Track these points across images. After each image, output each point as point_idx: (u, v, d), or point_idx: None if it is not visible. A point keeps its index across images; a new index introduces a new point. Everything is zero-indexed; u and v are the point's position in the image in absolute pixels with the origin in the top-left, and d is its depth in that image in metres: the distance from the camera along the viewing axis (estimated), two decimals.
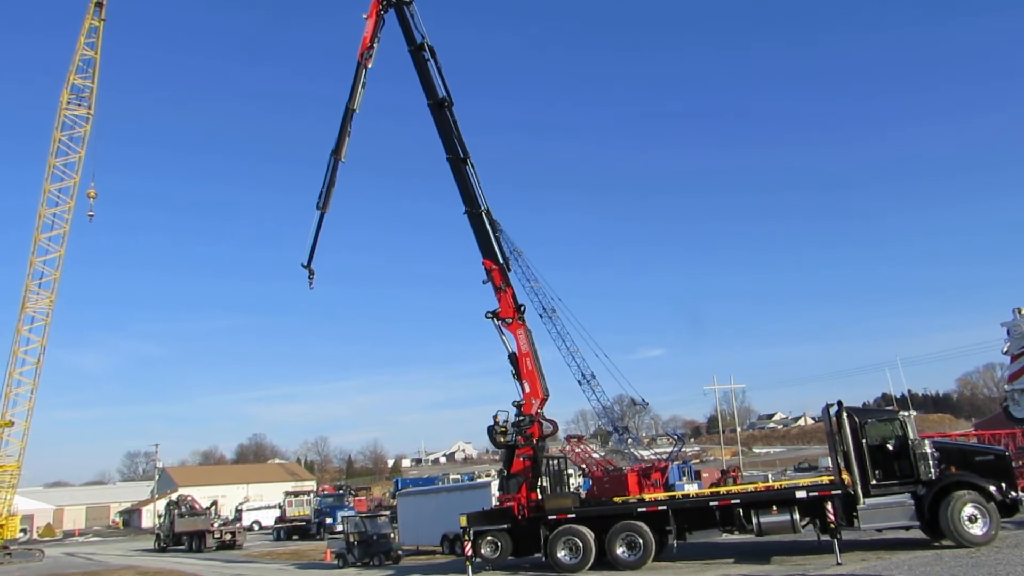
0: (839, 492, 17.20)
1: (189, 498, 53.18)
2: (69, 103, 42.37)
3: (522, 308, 22.42)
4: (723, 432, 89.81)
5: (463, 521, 18.44)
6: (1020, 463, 31.00)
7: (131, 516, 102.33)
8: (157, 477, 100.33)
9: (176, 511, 49.88)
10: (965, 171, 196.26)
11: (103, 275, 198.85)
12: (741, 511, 17.90)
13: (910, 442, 16.90)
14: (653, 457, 57.01)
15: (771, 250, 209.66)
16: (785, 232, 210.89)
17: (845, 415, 17.43)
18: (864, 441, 17.11)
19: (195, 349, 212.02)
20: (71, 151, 42.79)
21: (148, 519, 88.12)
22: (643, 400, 60.48)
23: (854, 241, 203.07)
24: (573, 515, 19.30)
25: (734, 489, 20.85)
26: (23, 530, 61.68)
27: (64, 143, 42.69)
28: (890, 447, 16.99)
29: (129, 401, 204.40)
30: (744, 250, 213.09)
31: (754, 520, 17.63)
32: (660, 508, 18.74)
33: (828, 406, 18.34)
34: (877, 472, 16.96)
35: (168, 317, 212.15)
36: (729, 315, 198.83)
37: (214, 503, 52.97)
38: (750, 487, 21.79)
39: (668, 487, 39.69)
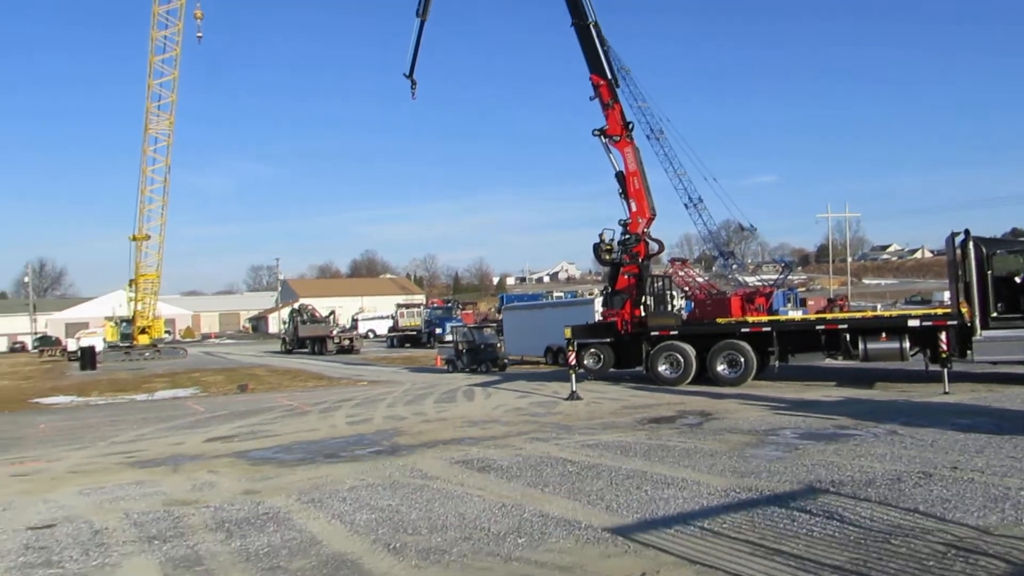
0: (955, 323, 16.72)
1: (310, 307, 56.89)
2: None
3: (630, 125, 21.89)
4: (833, 261, 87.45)
5: (567, 333, 19.07)
6: None
7: (259, 322, 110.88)
8: (279, 288, 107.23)
9: (299, 318, 53.65)
10: None
11: (222, 98, 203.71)
12: (848, 336, 17.75)
13: None
14: (758, 283, 56.52)
15: (900, 68, 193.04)
16: (905, 57, 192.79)
17: (971, 244, 16.59)
18: (989, 273, 16.35)
19: (310, 169, 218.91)
20: None
21: (274, 325, 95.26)
22: (751, 226, 59.06)
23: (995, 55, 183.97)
24: (676, 332, 19.67)
25: (842, 315, 20.65)
26: (168, 332, 67.78)
27: None
28: (1017, 280, 16.21)
29: (251, 219, 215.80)
30: (869, 72, 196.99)
31: (861, 346, 17.46)
32: (764, 329, 18.80)
33: (953, 235, 17.47)
34: (999, 305, 16.30)
35: (285, 137, 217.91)
36: (848, 139, 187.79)
37: (332, 312, 56.48)
38: (859, 315, 21.51)
39: (772, 313, 39.62)
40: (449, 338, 36.72)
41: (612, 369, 21.36)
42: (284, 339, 56.33)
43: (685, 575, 5.59)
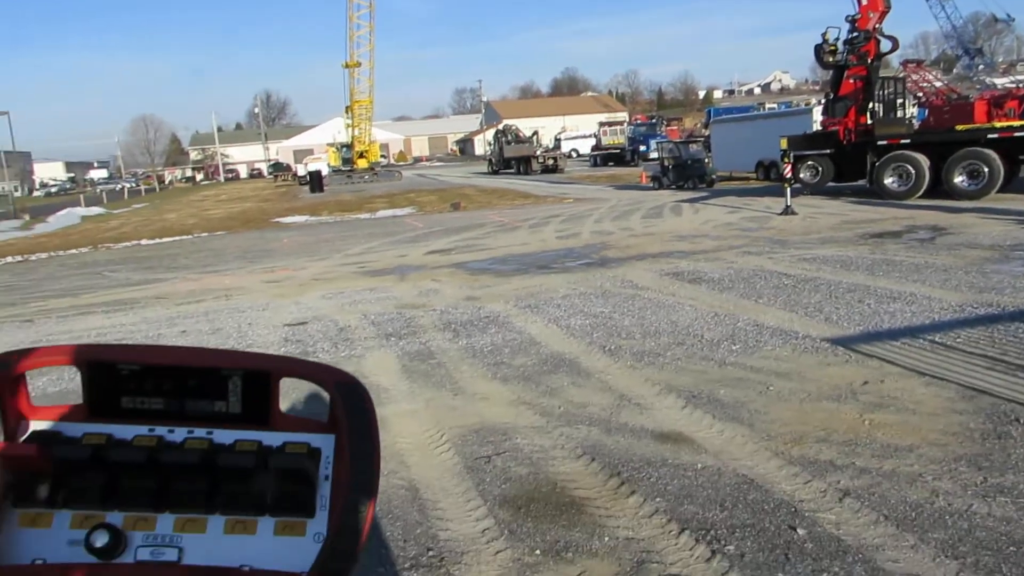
0: None
1: (514, 127, 57.41)
2: None
3: None
4: None
5: (783, 144, 17.87)
6: None
7: (465, 144, 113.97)
8: (483, 110, 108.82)
9: (503, 139, 54.46)
10: None
11: None
12: None
13: None
14: (1010, 85, 49.43)
15: None
16: None
17: None
18: None
19: None
20: None
21: (479, 147, 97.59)
22: (1007, 16, 50.75)
23: None
24: (907, 140, 17.92)
25: None
26: (383, 156, 71.56)
27: None
28: None
29: (453, 42, 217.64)
30: None
31: None
32: (1016, 135, 16.62)
33: None
34: None
35: None
36: None
37: (535, 132, 56.69)
38: None
39: None
40: (654, 155, 35.81)
41: (831, 183, 20.07)
42: (490, 160, 57.66)
43: (912, 386, 5.38)
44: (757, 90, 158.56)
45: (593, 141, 60.17)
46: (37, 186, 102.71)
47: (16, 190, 65.76)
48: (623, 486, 4.15)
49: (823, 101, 22.87)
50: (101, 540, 0.48)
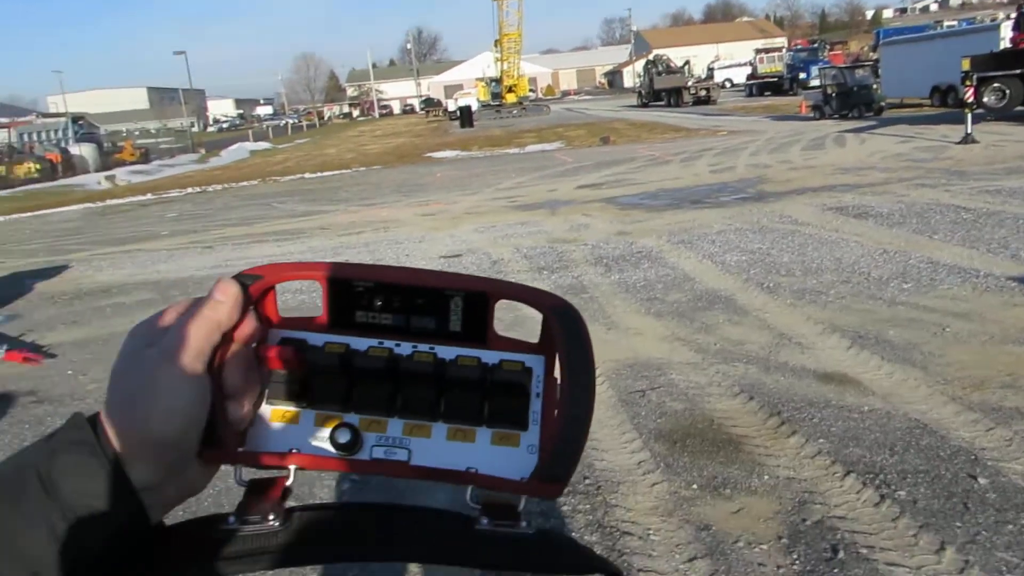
0: None
1: (664, 58, 55.49)
2: None
3: None
4: None
5: (965, 64, 16.31)
6: None
7: (613, 77, 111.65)
8: (632, 41, 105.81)
9: (654, 70, 52.79)
10: None
11: None
12: None
13: None
14: None
15: None
16: None
17: None
18: None
19: None
20: None
21: (628, 79, 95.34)
22: None
23: None
24: None
25: None
26: (531, 90, 71.34)
27: None
28: None
29: None
30: None
31: None
32: None
33: None
34: None
35: None
36: None
37: (687, 62, 54.61)
38: None
39: None
40: (815, 82, 33.73)
41: (1019, 107, 18.21)
42: (639, 92, 56.24)
43: None
44: (934, 7, 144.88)
45: (748, 70, 57.36)
46: (211, 121, 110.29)
47: (192, 126, 70.78)
48: (783, 426, 4.06)
49: (1014, 15, 20.60)
50: (344, 437, 0.53)
